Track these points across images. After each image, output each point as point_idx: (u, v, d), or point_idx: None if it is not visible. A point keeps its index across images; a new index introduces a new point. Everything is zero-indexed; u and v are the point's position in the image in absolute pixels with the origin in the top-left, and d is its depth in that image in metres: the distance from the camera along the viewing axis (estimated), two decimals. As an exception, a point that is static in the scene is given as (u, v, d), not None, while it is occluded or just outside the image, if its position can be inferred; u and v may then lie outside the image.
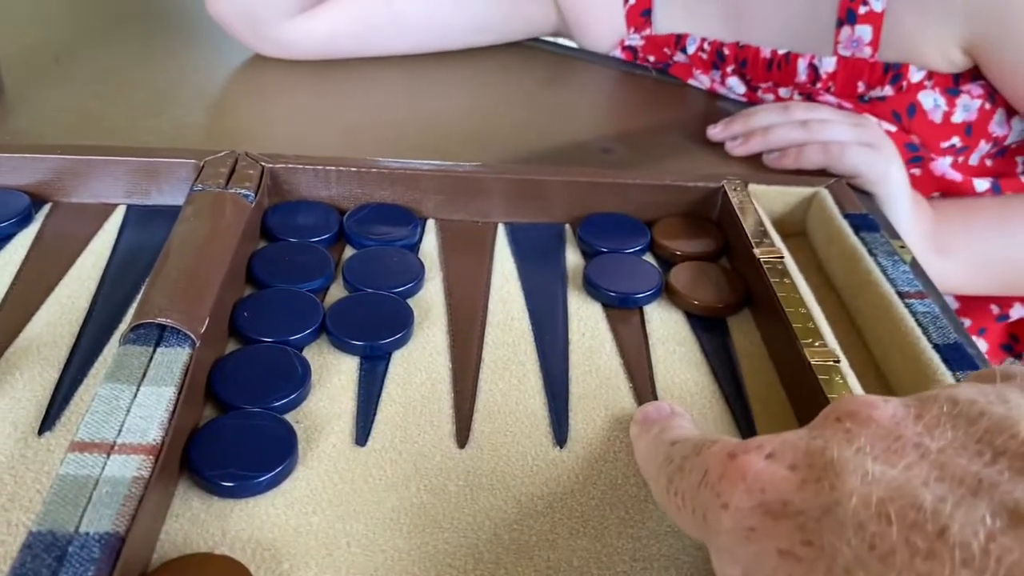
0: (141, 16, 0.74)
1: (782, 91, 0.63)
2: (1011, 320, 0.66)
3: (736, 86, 0.65)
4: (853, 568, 0.16)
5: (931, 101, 0.58)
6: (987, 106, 0.58)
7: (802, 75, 0.61)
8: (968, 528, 0.16)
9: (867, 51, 0.58)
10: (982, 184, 0.60)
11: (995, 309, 0.66)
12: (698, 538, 0.21)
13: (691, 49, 0.66)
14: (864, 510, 0.17)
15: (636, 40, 0.69)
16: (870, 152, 0.51)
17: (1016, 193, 0.61)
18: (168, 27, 0.72)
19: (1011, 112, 0.60)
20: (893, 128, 0.59)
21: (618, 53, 0.71)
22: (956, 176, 0.60)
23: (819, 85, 0.61)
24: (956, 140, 0.59)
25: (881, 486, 0.17)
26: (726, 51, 0.65)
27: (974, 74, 0.58)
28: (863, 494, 0.17)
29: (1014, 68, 0.56)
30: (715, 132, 0.56)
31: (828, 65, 0.60)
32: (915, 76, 0.58)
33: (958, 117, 0.59)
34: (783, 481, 0.19)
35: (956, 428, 0.19)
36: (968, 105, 0.58)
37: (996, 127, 0.60)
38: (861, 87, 0.59)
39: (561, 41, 0.75)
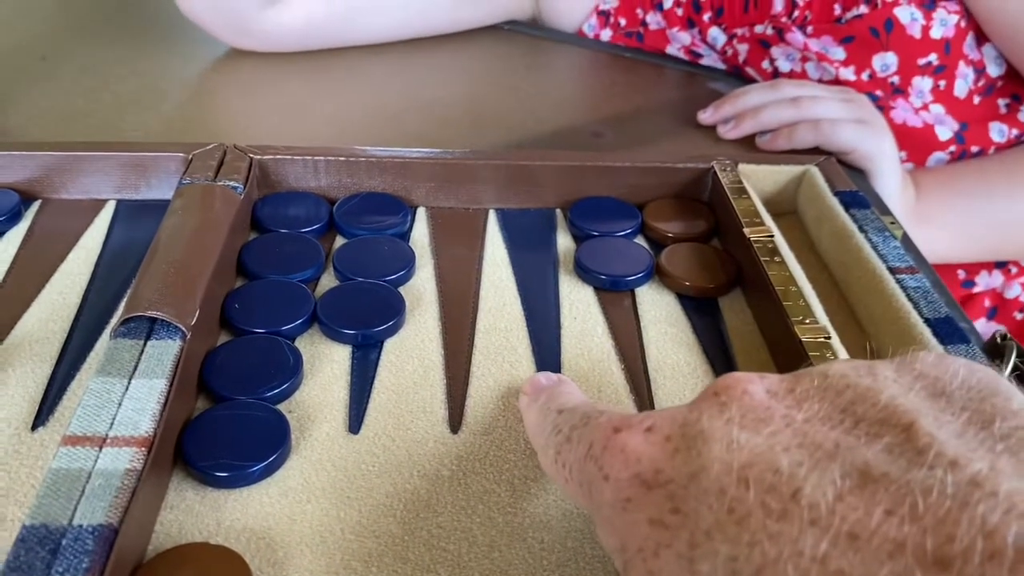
0: (127, 12, 0.73)
1: (757, 28, 0.63)
2: (976, 289, 0.66)
3: (718, 37, 0.65)
4: (713, 532, 0.17)
5: (908, 15, 0.58)
6: (963, 24, 0.59)
7: (778, 6, 0.62)
8: (819, 489, 0.16)
9: None
10: (944, 133, 0.60)
11: (961, 274, 0.66)
12: (586, 509, 0.21)
13: (667, 4, 0.67)
14: (726, 476, 0.17)
15: (611, 1, 0.69)
16: (863, 128, 0.50)
17: (994, 156, 0.61)
18: (154, 22, 0.71)
19: (981, 38, 0.60)
20: (879, 93, 0.59)
21: (593, 21, 0.71)
22: (917, 122, 0.60)
23: (796, 14, 0.61)
24: (934, 57, 0.59)
25: (744, 452, 0.18)
26: (702, 0, 0.65)
27: None
28: (726, 460, 0.18)
29: None
30: (705, 116, 0.56)
31: None
32: None
33: (936, 32, 0.58)
34: (658, 451, 0.19)
35: (823, 400, 0.19)
36: (945, 20, 0.58)
37: (969, 49, 0.60)
38: (838, 9, 0.60)
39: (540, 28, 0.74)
